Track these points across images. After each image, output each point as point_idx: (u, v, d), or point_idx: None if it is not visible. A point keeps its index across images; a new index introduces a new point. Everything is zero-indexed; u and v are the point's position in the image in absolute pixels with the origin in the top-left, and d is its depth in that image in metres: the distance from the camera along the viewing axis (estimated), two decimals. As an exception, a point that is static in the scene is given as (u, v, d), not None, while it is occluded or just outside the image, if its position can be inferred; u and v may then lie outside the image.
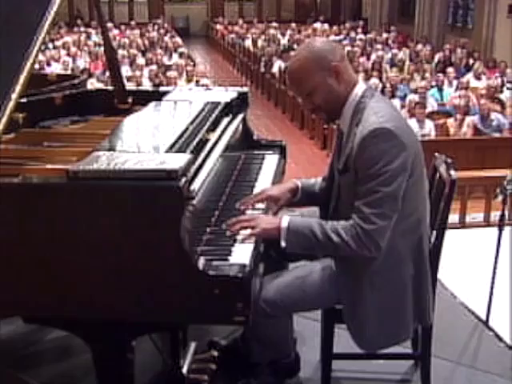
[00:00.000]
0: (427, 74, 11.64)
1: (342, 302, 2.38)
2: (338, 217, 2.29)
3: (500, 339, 3.33)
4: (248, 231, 2.24)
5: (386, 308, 2.32)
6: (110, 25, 17.11)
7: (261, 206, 2.52)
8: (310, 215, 2.63)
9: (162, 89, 3.69)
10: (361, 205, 2.17)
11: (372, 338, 2.35)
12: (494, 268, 3.66)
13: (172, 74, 10.65)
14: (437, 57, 13.79)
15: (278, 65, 13.08)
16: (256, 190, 2.75)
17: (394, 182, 2.14)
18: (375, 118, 2.19)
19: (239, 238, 2.23)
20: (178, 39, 16.20)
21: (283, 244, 2.25)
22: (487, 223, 6.05)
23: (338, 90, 2.27)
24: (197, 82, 10.88)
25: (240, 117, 3.11)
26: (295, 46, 14.99)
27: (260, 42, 16.48)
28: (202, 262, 1.99)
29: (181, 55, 13.59)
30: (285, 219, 2.27)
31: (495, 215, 5.41)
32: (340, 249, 2.20)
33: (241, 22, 20.52)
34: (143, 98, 3.20)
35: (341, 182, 2.36)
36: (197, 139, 2.38)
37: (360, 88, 2.30)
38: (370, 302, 2.31)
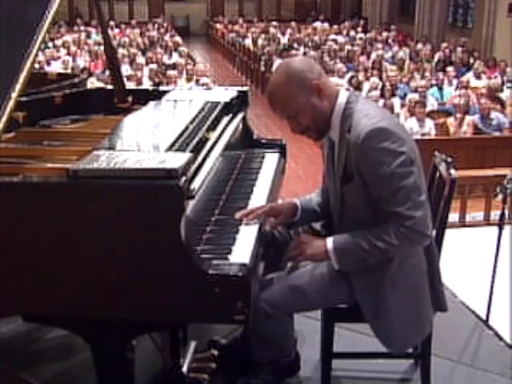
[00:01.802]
0: (427, 73, 11.63)
1: (343, 302, 2.39)
2: (345, 226, 2.30)
3: (500, 338, 3.33)
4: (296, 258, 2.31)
5: (409, 306, 2.33)
6: (110, 24, 17.17)
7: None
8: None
9: (161, 88, 3.69)
10: (393, 207, 2.16)
11: (399, 338, 2.36)
12: (494, 267, 3.66)
13: (172, 73, 10.64)
14: (437, 56, 13.78)
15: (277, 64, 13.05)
16: (256, 189, 2.75)
17: (410, 172, 2.15)
18: (366, 120, 2.19)
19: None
20: (178, 38, 16.18)
21: (336, 266, 2.27)
22: (487, 222, 6.05)
23: (322, 106, 2.27)
24: (197, 81, 10.86)
25: (240, 116, 3.11)
26: (295, 45, 15.01)
27: (260, 41, 16.45)
28: (202, 260, 1.99)
29: (181, 54, 13.58)
30: (329, 240, 2.27)
31: (495, 214, 5.41)
32: (390, 252, 2.21)
33: (241, 21, 20.50)
34: (143, 98, 3.20)
35: (345, 191, 2.32)
36: (197, 138, 2.38)
37: (343, 95, 2.30)
38: (393, 303, 2.31)
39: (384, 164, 2.14)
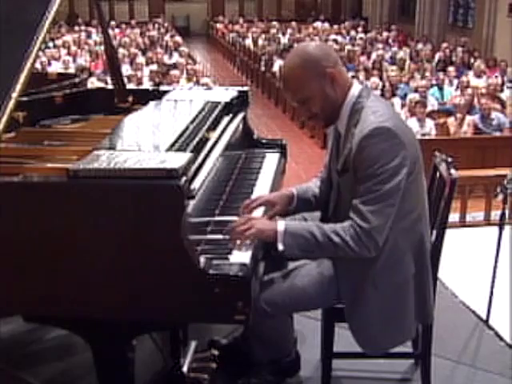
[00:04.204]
0: (427, 73, 11.63)
1: (343, 302, 2.37)
2: (339, 217, 2.28)
3: (500, 338, 3.33)
4: (243, 233, 2.22)
5: (389, 308, 2.32)
6: (111, 24, 17.17)
7: (257, 211, 2.49)
8: (313, 218, 2.62)
9: (162, 88, 3.69)
10: (359, 203, 2.17)
11: (375, 339, 2.35)
12: (495, 267, 3.65)
13: (175, 72, 10.62)
14: (437, 56, 13.78)
15: (278, 64, 13.05)
16: (256, 189, 2.76)
17: (393, 179, 2.14)
18: (374, 117, 2.18)
19: (237, 243, 2.21)
20: (179, 38, 16.18)
21: (281, 247, 2.23)
22: (487, 222, 6.03)
23: (333, 96, 2.26)
24: (197, 81, 10.86)
25: (240, 116, 3.11)
26: (295, 45, 14.98)
27: (260, 41, 16.46)
28: (202, 260, 1.99)
29: (181, 54, 13.58)
30: (280, 223, 2.26)
31: (495, 214, 5.40)
32: (340, 249, 2.19)
33: (241, 20, 20.52)
34: (143, 98, 3.20)
35: (341, 182, 2.34)
36: (197, 138, 2.38)
37: (356, 88, 2.29)
38: (372, 303, 2.30)
39: (375, 164, 2.14)
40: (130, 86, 7.63)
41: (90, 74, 10.33)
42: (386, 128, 2.15)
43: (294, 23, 18.77)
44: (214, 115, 2.74)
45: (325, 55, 2.25)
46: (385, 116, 2.19)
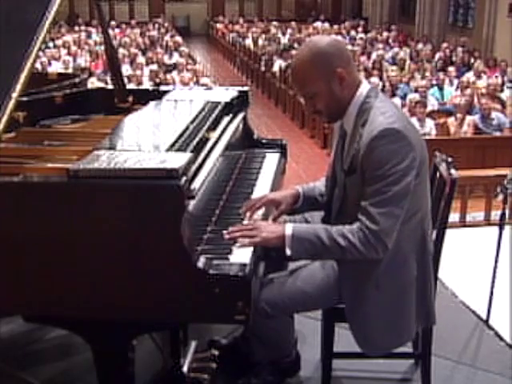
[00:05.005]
0: (428, 73, 11.63)
1: (344, 303, 2.36)
2: (344, 218, 2.28)
3: (500, 338, 3.33)
4: (247, 240, 2.21)
5: (391, 310, 2.31)
6: (111, 24, 17.17)
7: (260, 211, 2.49)
8: (313, 218, 2.62)
9: (162, 88, 3.69)
10: (368, 205, 2.16)
11: (375, 340, 2.34)
12: (495, 267, 3.65)
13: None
14: (437, 56, 13.78)
15: (278, 64, 13.07)
16: (256, 189, 2.76)
17: (403, 181, 2.13)
18: (383, 118, 2.17)
19: (237, 245, 2.20)
20: (179, 38, 16.18)
21: (289, 252, 2.22)
22: (487, 222, 6.03)
23: (340, 95, 2.25)
24: (197, 81, 10.86)
25: (240, 116, 3.11)
26: (296, 45, 15.01)
27: (260, 41, 16.47)
28: (202, 260, 1.99)
29: (181, 54, 13.58)
30: (288, 227, 2.24)
31: (495, 214, 5.39)
32: (347, 252, 2.18)
33: (241, 20, 20.52)
34: (143, 97, 3.20)
35: (347, 182, 2.32)
36: (197, 138, 2.38)
37: (364, 88, 2.28)
38: (373, 303, 2.30)
39: (386, 165, 2.13)
40: (130, 86, 7.64)
41: (90, 74, 10.32)
42: (396, 130, 2.14)
43: (293, 23, 18.76)
44: (214, 115, 2.74)
45: (337, 53, 2.23)
46: (394, 117, 2.18)
